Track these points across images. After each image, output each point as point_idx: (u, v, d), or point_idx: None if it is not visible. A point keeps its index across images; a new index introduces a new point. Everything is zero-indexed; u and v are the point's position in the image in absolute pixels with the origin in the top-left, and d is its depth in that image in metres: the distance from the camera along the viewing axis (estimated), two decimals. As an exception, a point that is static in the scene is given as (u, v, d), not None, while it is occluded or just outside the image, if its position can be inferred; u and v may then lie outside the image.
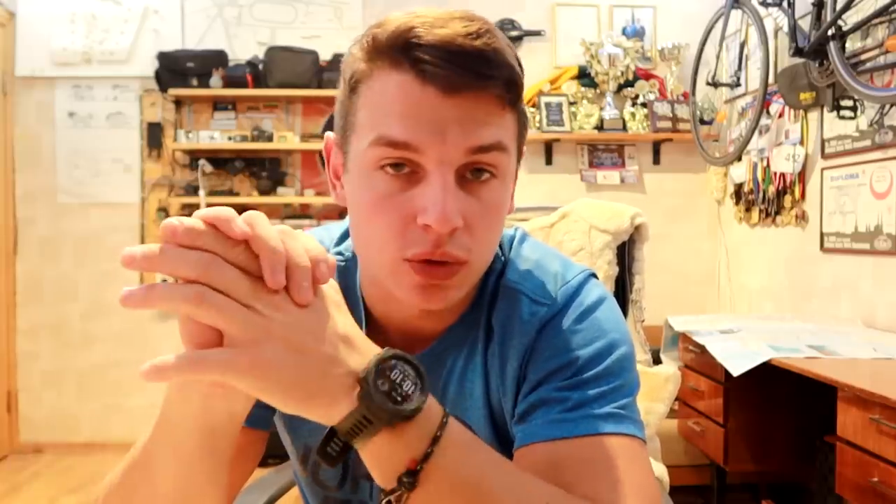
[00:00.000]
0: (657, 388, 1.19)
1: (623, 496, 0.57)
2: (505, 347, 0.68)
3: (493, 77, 0.57)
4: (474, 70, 0.56)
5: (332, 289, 0.50)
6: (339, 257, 0.73)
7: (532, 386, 0.65)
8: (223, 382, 0.45)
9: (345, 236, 0.76)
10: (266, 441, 0.73)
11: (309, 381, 0.46)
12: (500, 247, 0.73)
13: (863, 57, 2.34)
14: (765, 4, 2.72)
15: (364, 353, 0.49)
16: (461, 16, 0.58)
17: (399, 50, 0.57)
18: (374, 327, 0.71)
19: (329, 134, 0.67)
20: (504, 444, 0.69)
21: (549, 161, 3.65)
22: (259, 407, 0.71)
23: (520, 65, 0.61)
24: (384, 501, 0.49)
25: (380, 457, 0.49)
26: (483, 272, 0.66)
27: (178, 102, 3.59)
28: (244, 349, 0.44)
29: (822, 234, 2.76)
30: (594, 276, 0.74)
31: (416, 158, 0.58)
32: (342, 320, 0.49)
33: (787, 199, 2.98)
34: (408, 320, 0.69)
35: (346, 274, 0.72)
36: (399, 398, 0.48)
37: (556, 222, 1.08)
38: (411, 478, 0.48)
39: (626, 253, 1.08)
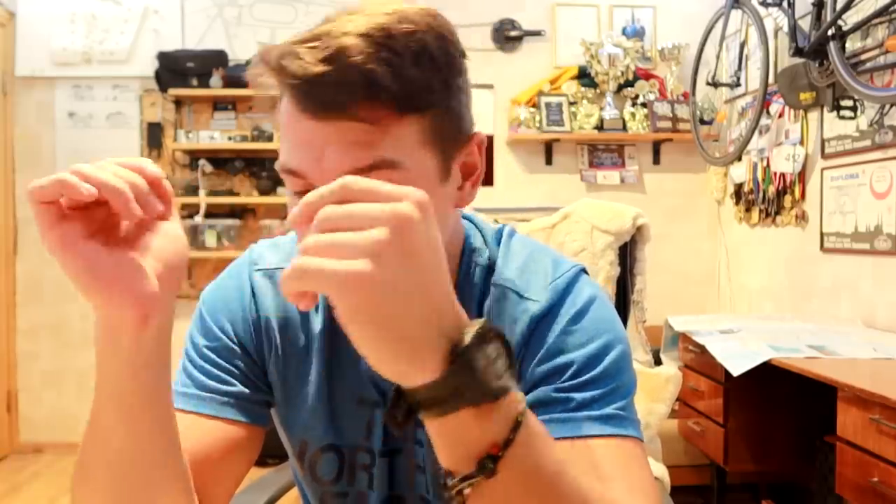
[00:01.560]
0: (658, 388, 1.19)
1: (629, 498, 0.56)
2: None
3: (350, 103, 0.55)
4: (330, 99, 0.55)
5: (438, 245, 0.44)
6: None
7: (529, 386, 0.65)
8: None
9: None
10: (263, 439, 0.73)
11: (403, 335, 0.41)
12: (487, 243, 0.73)
13: (863, 57, 2.34)
14: (765, 4, 2.72)
15: (461, 321, 0.45)
16: (325, 32, 0.55)
17: (279, 76, 0.56)
18: None
19: None
20: None
21: (549, 161, 3.65)
22: (255, 403, 0.71)
23: (432, 60, 0.57)
24: (452, 486, 0.46)
25: (458, 436, 0.45)
26: None
27: (178, 102, 3.59)
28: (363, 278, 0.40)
29: (822, 234, 2.76)
30: (584, 271, 0.74)
31: (308, 182, 0.58)
32: (446, 281, 0.44)
33: (787, 199, 2.98)
34: None
35: None
36: (493, 376, 0.44)
37: (558, 223, 1.08)
38: (493, 463, 0.44)
39: (627, 253, 1.08)
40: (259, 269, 0.76)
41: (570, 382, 0.63)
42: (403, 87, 0.56)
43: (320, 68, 0.54)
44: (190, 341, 0.74)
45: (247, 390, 0.71)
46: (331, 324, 0.72)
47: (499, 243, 0.73)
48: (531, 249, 0.74)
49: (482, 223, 0.76)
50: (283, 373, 0.73)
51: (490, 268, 0.71)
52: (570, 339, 0.66)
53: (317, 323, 0.73)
